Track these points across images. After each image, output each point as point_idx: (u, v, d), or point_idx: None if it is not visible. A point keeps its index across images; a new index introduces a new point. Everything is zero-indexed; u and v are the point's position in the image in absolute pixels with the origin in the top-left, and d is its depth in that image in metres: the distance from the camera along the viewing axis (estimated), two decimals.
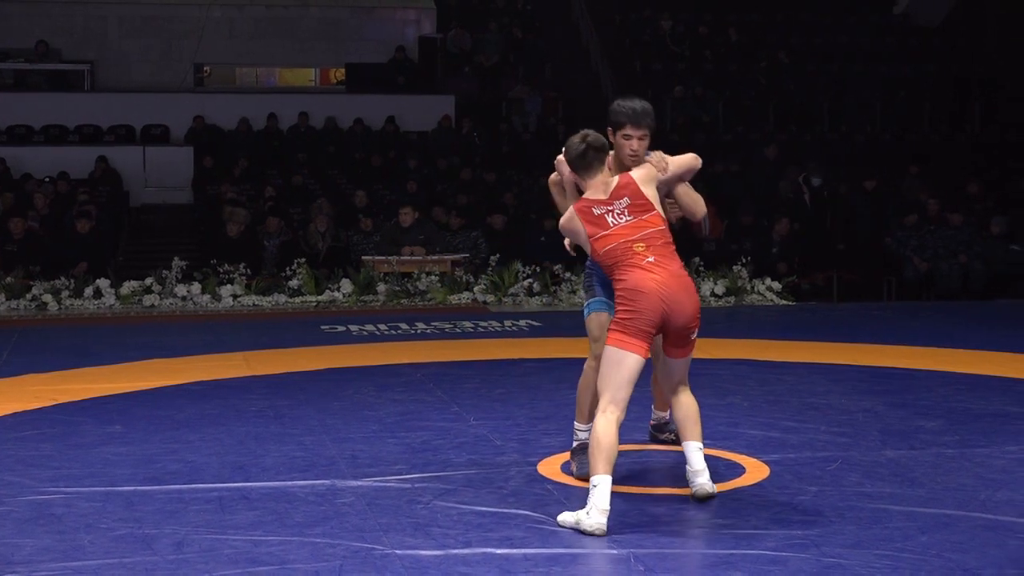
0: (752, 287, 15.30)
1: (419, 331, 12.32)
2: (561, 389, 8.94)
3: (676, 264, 5.92)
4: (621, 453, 6.95)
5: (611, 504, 5.48)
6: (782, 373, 9.65)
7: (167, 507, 5.98)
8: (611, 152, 6.13)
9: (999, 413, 8.09)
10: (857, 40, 23.64)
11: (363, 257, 15.45)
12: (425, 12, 23.49)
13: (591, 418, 6.08)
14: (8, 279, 14.67)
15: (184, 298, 14.68)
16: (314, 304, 14.74)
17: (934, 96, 22.33)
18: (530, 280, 15.05)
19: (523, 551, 5.27)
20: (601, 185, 5.93)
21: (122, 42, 22.42)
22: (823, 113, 22.07)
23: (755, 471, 6.57)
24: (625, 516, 5.73)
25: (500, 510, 5.89)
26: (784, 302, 15.14)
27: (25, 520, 5.78)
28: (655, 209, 5.91)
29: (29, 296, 14.48)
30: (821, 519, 5.68)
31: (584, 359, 6.47)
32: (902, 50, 23.33)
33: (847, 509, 5.82)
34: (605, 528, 5.38)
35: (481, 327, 12.57)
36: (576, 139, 5.98)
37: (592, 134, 5.99)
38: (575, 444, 6.47)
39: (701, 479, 5.92)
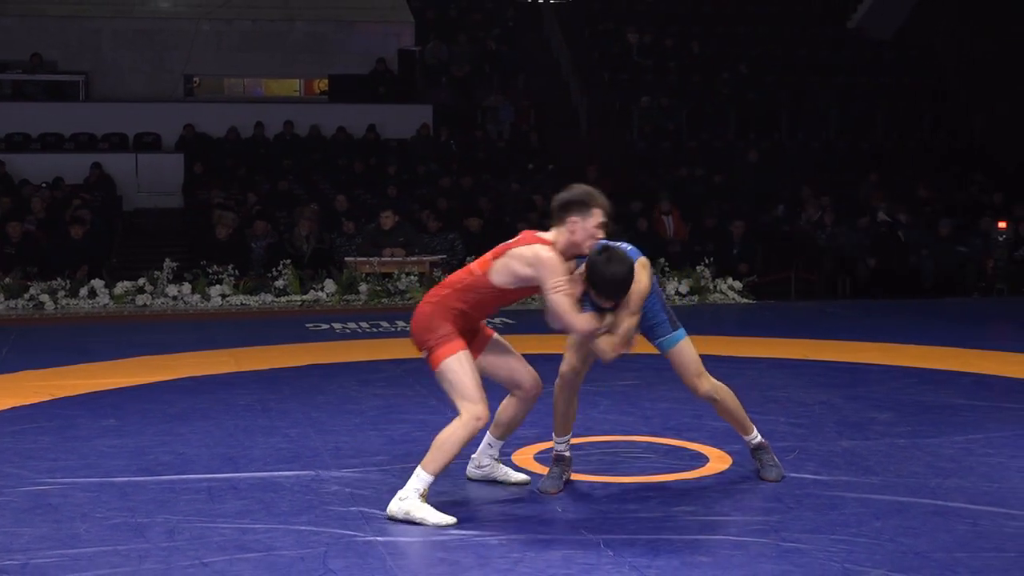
0: (714, 286, 15.34)
1: (399, 329, 12.30)
2: None
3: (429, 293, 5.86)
4: (593, 444, 6.98)
5: (582, 492, 5.48)
6: (743, 368, 9.66)
7: (159, 497, 5.96)
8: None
9: (947, 405, 8.12)
10: (814, 52, 23.72)
11: (346, 258, 15.43)
12: (404, 26, 23.44)
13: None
14: (7, 280, 14.61)
15: (175, 298, 14.63)
16: (299, 303, 14.71)
17: (886, 105, 22.41)
18: None
19: (498, 537, 5.27)
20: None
21: (115, 54, 22.31)
22: (782, 121, 22.14)
23: (718, 461, 6.59)
24: (594, 504, 5.74)
25: (475, 497, 5.90)
26: (745, 300, 15.18)
27: (23, 510, 5.75)
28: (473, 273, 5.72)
29: (27, 296, 14.41)
30: (780, 506, 5.69)
31: (553, 356, 6.44)
32: (856, 62, 23.41)
33: (805, 496, 5.84)
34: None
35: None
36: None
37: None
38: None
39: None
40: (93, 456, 6.73)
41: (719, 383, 6.04)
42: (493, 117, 21.79)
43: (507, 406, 6.08)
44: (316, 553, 5.08)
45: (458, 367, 5.59)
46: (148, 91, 22.05)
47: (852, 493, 5.88)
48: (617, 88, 22.21)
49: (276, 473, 6.40)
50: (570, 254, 5.63)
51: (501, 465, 6.20)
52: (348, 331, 12.23)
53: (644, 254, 5.82)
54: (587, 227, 5.57)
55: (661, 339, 5.90)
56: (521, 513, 5.61)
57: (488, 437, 6.14)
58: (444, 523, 5.38)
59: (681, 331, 5.92)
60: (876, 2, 24.80)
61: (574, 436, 6.26)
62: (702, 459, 6.64)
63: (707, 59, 23.04)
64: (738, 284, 15.43)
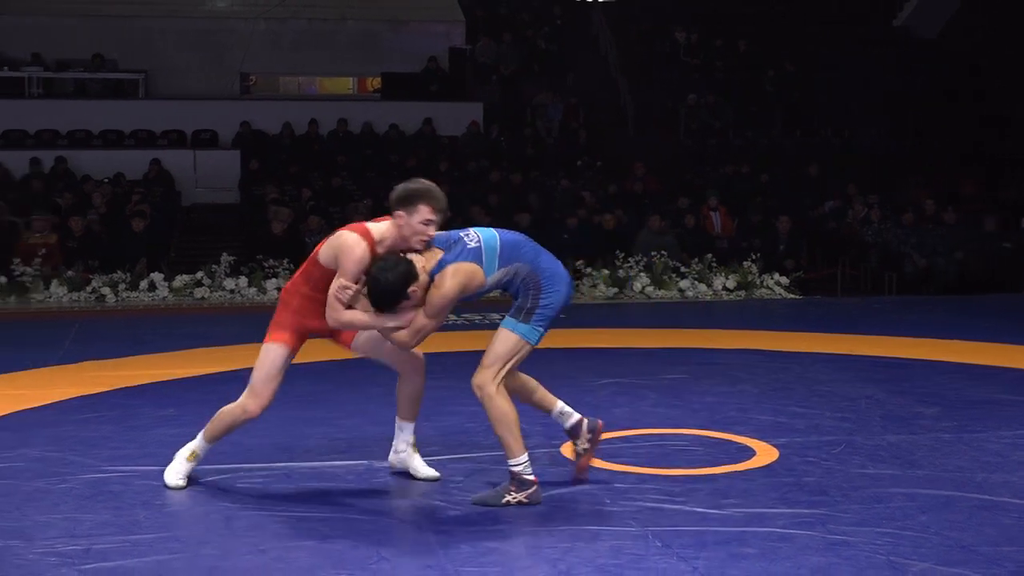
0: (761, 282, 15.25)
1: (450, 322, 12.30)
2: (583, 377, 8.94)
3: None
4: (641, 437, 6.97)
5: (619, 483, 5.47)
6: (789, 362, 9.62)
7: (217, 485, 6.00)
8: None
9: (992, 400, 8.05)
10: (860, 51, 23.54)
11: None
12: (455, 25, 23.44)
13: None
14: (69, 273, 14.73)
15: (232, 291, 14.71)
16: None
17: (931, 103, 22.21)
18: None
19: (547, 528, 5.27)
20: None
21: (174, 53, 22.45)
22: (827, 119, 21.98)
23: (764, 454, 6.56)
24: (642, 496, 5.73)
25: None
26: (791, 296, 15.10)
27: (85, 496, 5.80)
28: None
29: (89, 289, 14.53)
30: (827, 499, 5.66)
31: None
32: (901, 60, 23.21)
33: (851, 490, 5.80)
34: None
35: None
36: None
37: None
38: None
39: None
40: (153, 445, 6.78)
41: (504, 398, 5.61)
42: (542, 115, 21.78)
43: (400, 386, 6.07)
44: (370, 541, 5.10)
45: (265, 357, 5.78)
46: (205, 89, 22.18)
47: (898, 487, 5.84)
48: (665, 86, 22.13)
49: (330, 463, 6.43)
50: (400, 248, 5.59)
51: (416, 455, 6.11)
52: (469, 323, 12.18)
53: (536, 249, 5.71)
54: (412, 223, 5.53)
55: (505, 316, 5.75)
56: (570, 505, 5.61)
57: (397, 422, 6.12)
58: (172, 482, 5.86)
59: (520, 325, 5.67)
60: (922, 1, 24.58)
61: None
62: (749, 452, 6.61)
63: (754, 58, 22.93)
64: (785, 280, 15.34)
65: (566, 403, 6.05)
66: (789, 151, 20.72)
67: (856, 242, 16.93)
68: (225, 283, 14.78)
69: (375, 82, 23.76)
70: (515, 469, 5.62)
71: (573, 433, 6.01)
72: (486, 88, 22.37)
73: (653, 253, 15.24)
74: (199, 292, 14.68)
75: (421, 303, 5.52)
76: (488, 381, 5.63)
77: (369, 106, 21.91)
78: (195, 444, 5.96)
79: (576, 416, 5.99)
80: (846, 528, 5.20)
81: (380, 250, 5.55)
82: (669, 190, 18.83)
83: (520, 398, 5.90)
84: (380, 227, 5.64)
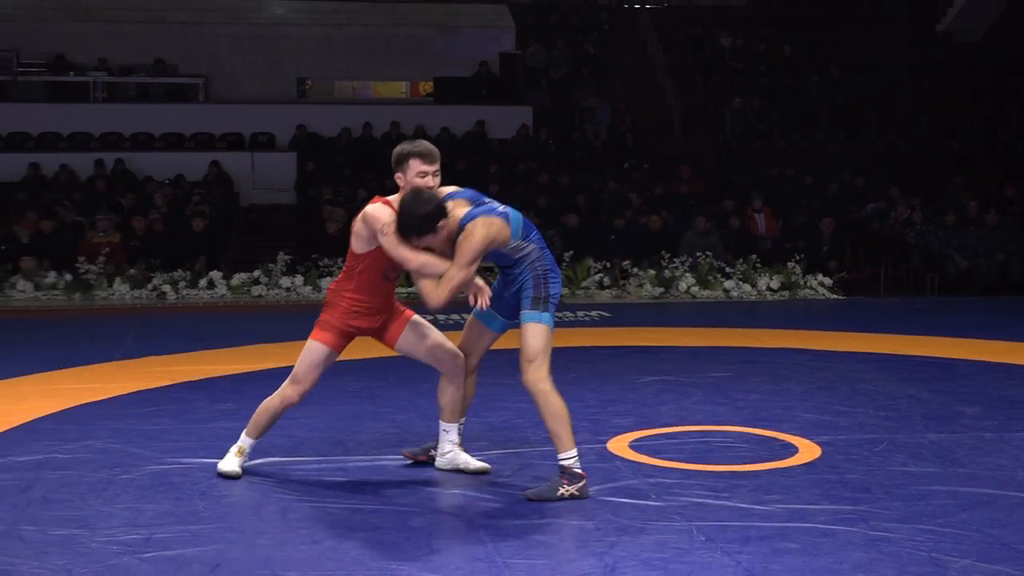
0: (805, 282, 15.17)
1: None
2: (629, 374, 8.93)
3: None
4: (686, 434, 6.94)
5: (664, 479, 5.45)
6: (833, 361, 9.56)
7: (273, 477, 6.03)
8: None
9: None
10: (903, 55, 23.36)
11: None
12: (505, 31, 23.45)
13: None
14: (132, 271, 14.87)
15: (288, 289, 14.80)
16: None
17: (973, 106, 22.00)
18: (601, 274, 15.01)
19: (594, 522, 5.26)
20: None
21: (232, 58, 22.60)
22: (871, 122, 21.82)
23: (808, 451, 6.52)
24: (687, 492, 5.71)
25: None
26: (834, 296, 15.00)
27: (146, 487, 5.85)
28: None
29: (150, 286, 14.66)
30: (869, 496, 5.62)
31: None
32: (945, 64, 23.01)
33: (893, 487, 5.76)
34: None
35: (556, 317, 12.52)
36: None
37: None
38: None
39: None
40: (211, 438, 6.82)
41: (551, 388, 5.65)
42: (590, 118, 21.75)
43: (441, 388, 6.12)
44: (421, 534, 5.11)
45: (309, 352, 5.91)
46: (263, 93, 22.31)
47: (940, 485, 5.79)
48: (710, 90, 22.06)
49: (383, 457, 6.45)
50: None
51: (462, 452, 6.13)
52: (452, 322, 12.25)
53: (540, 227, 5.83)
54: (408, 178, 5.72)
55: (520, 314, 5.78)
56: (616, 500, 5.60)
57: (441, 424, 6.13)
58: (225, 469, 5.98)
59: (540, 315, 5.73)
60: (965, 6, 24.34)
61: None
62: (792, 449, 6.57)
63: (798, 62, 22.80)
64: (828, 280, 15.25)
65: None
66: (833, 154, 20.58)
67: (898, 243, 16.80)
68: (281, 281, 14.87)
69: (428, 86, 23.81)
70: (566, 463, 5.62)
71: (437, 446, 6.17)
72: (536, 92, 22.36)
73: (698, 254, 15.18)
74: (256, 290, 14.78)
75: (447, 249, 5.57)
76: (542, 377, 5.66)
77: (422, 109, 21.97)
78: (241, 441, 6.08)
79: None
80: (888, 525, 5.16)
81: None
82: (714, 192, 18.76)
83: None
84: (394, 197, 5.77)
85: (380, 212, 5.61)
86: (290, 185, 19.58)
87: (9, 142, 20.12)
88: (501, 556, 4.81)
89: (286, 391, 5.95)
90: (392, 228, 5.54)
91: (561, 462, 5.62)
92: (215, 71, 22.37)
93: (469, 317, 6.06)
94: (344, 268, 5.93)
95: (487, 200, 5.74)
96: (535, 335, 5.69)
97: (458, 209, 5.62)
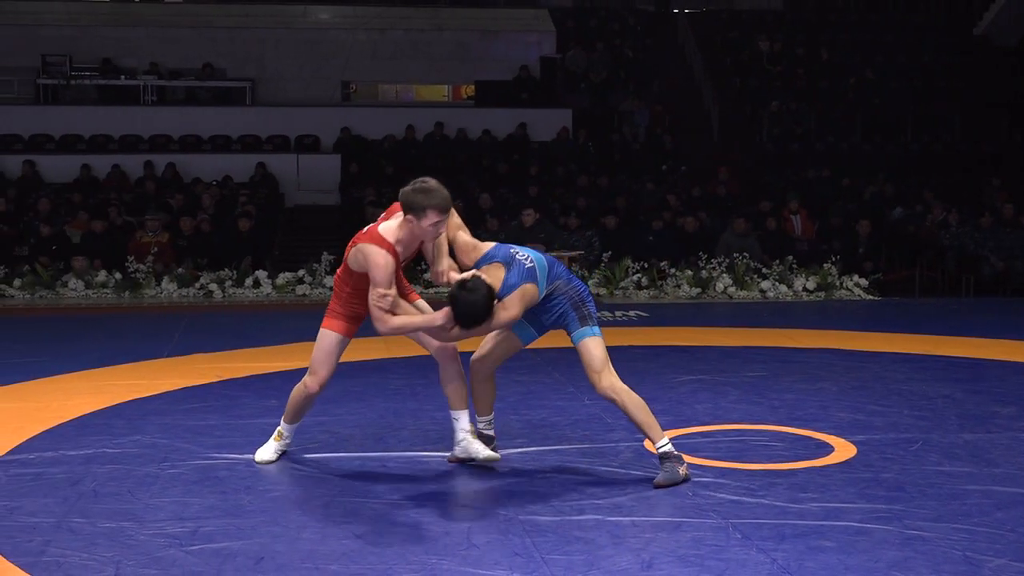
0: (841, 283, 15.07)
1: None
2: (666, 373, 8.90)
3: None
4: (722, 432, 6.92)
5: (701, 477, 5.45)
6: (868, 362, 9.49)
7: (316, 472, 6.05)
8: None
9: None
10: (938, 58, 23.19)
11: None
12: (546, 35, 23.43)
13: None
14: (180, 270, 14.96)
15: (331, 288, 14.84)
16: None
17: (1009, 110, 21.80)
18: (639, 275, 14.98)
19: (631, 518, 5.25)
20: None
21: (279, 62, 22.68)
22: (906, 125, 21.67)
23: (843, 450, 6.47)
24: (723, 489, 5.68)
25: (610, 481, 5.88)
26: (870, 297, 14.90)
27: (193, 481, 5.88)
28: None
29: (197, 285, 14.74)
30: (903, 495, 5.57)
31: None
32: (981, 68, 22.81)
33: (928, 486, 5.71)
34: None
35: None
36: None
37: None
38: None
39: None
40: (256, 434, 6.85)
41: (625, 387, 5.80)
42: (629, 121, 21.70)
43: (443, 378, 6.18)
44: (460, 529, 5.12)
45: (321, 341, 6.02)
46: (308, 96, 22.39)
47: (974, 484, 5.74)
48: (748, 93, 21.97)
49: (423, 453, 6.46)
50: (415, 246, 5.83)
51: (474, 441, 6.12)
52: None
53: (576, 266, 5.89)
54: (422, 226, 5.67)
55: (571, 335, 5.90)
56: (653, 497, 5.58)
57: (452, 414, 6.16)
58: (260, 457, 6.20)
59: (589, 329, 5.86)
60: (1002, 10, 24.13)
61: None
62: (827, 448, 6.53)
63: (835, 65, 22.67)
64: (864, 281, 15.14)
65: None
66: (869, 156, 20.45)
67: (934, 245, 16.67)
68: (325, 281, 14.91)
69: (469, 89, 23.82)
70: (666, 449, 5.79)
71: (483, 439, 6.19)
72: (575, 95, 22.34)
73: (735, 255, 15.13)
74: (300, 289, 14.84)
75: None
76: (614, 381, 5.79)
77: (463, 112, 21.98)
78: (280, 427, 6.33)
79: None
80: (922, 524, 5.12)
81: (400, 249, 5.71)
82: (751, 194, 18.67)
83: (474, 391, 6.16)
84: (391, 228, 5.76)
85: (380, 268, 5.62)
86: (334, 186, 19.65)
87: (62, 144, 20.30)
88: (539, 551, 4.80)
89: (307, 381, 6.09)
90: (384, 301, 5.59)
91: (661, 450, 5.78)
92: (262, 75, 22.46)
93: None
94: (342, 270, 6.00)
95: (514, 253, 5.82)
96: (594, 347, 5.85)
97: (495, 278, 5.72)
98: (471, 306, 5.57)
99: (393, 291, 5.64)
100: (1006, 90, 22.10)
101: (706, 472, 6.00)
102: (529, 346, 6.22)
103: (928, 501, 5.46)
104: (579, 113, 21.60)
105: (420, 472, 6.07)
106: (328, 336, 6.02)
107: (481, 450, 6.09)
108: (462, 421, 6.13)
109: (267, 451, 6.27)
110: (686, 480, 5.76)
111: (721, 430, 7.00)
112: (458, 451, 6.16)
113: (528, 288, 5.71)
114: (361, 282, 5.83)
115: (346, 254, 5.89)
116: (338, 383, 8.55)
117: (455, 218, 5.95)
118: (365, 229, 5.85)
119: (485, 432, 6.20)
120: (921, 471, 6.00)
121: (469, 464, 6.16)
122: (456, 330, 5.66)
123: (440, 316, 5.69)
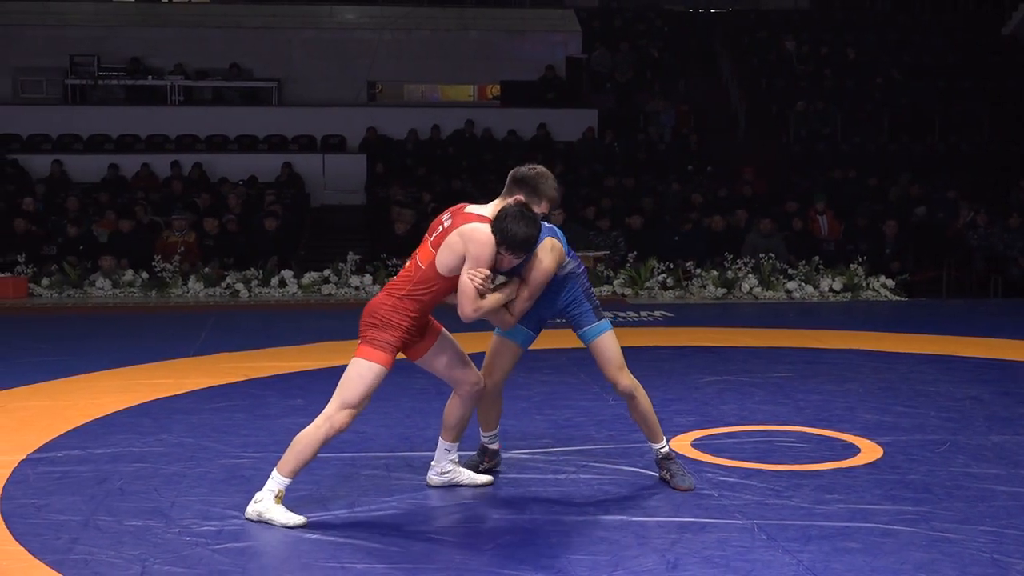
0: (867, 284, 15.01)
1: (563, 321, 12.28)
2: (692, 374, 8.88)
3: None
4: (748, 433, 6.89)
5: (726, 477, 5.42)
6: (895, 363, 9.45)
7: (341, 472, 6.06)
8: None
9: None
10: (966, 58, 23.06)
11: None
12: (571, 35, 23.43)
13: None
14: (206, 269, 15.01)
15: (357, 288, 14.87)
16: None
17: None
18: (664, 275, 14.95)
19: (656, 519, 5.24)
20: None
21: (305, 63, 22.73)
22: (933, 125, 21.56)
23: (869, 452, 6.44)
24: (749, 490, 5.67)
25: (635, 482, 5.87)
26: (897, 298, 14.83)
27: (219, 480, 5.90)
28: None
29: (223, 285, 14.79)
30: (931, 497, 5.55)
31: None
32: (1009, 67, 22.68)
33: (955, 488, 5.68)
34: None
35: (620, 317, 12.51)
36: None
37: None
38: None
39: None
40: (281, 432, 6.85)
41: (638, 383, 5.68)
42: (655, 121, 21.66)
43: (451, 407, 5.79)
44: (485, 529, 5.12)
45: (366, 373, 5.36)
46: (334, 96, 22.43)
47: (1002, 486, 5.70)
48: (774, 93, 21.90)
49: None
50: None
51: (463, 469, 5.86)
52: None
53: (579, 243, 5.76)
54: (542, 207, 5.54)
55: (584, 329, 5.69)
56: (678, 498, 5.57)
57: (442, 443, 5.81)
58: (293, 524, 5.13)
59: (605, 323, 5.69)
60: None
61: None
62: (853, 449, 6.50)
63: (861, 65, 22.58)
64: (891, 282, 15.07)
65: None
66: (896, 156, 20.36)
67: (961, 245, 16.58)
68: (351, 280, 14.94)
69: (495, 89, 23.82)
70: (665, 450, 5.79)
71: (487, 453, 6.01)
72: (601, 95, 22.32)
73: (761, 255, 15.08)
74: (326, 289, 14.87)
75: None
76: (634, 383, 5.67)
77: (489, 112, 21.99)
78: (274, 484, 5.30)
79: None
80: (949, 526, 5.09)
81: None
82: (777, 194, 18.61)
83: (481, 406, 5.89)
84: (491, 206, 5.55)
85: (485, 247, 5.31)
86: (360, 186, 19.68)
87: (90, 144, 20.40)
88: (565, 552, 4.80)
89: (337, 417, 5.31)
90: (478, 278, 5.29)
91: (662, 450, 5.79)
92: (288, 75, 22.52)
93: (493, 337, 5.91)
94: (405, 280, 5.55)
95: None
96: (611, 343, 5.68)
97: None
98: (523, 232, 5.29)
99: (487, 272, 5.33)
100: None
101: (732, 473, 5.98)
102: (552, 346, 6.20)
103: (955, 503, 5.43)
104: (605, 113, 21.58)
105: None
106: (375, 370, 5.35)
107: (476, 477, 5.86)
108: (452, 453, 5.84)
109: (284, 515, 5.24)
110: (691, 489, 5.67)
111: (747, 431, 6.98)
112: (437, 480, 5.86)
113: (556, 243, 5.53)
114: (448, 285, 5.44)
115: (419, 259, 5.52)
116: None
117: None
118: (447, 225, 5.46)
119: (490, 446, 6.02)
120: (948, 473, 5.96)
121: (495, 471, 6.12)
122: (484, 301, 5.35)
123: (511, 287, 5.46)
